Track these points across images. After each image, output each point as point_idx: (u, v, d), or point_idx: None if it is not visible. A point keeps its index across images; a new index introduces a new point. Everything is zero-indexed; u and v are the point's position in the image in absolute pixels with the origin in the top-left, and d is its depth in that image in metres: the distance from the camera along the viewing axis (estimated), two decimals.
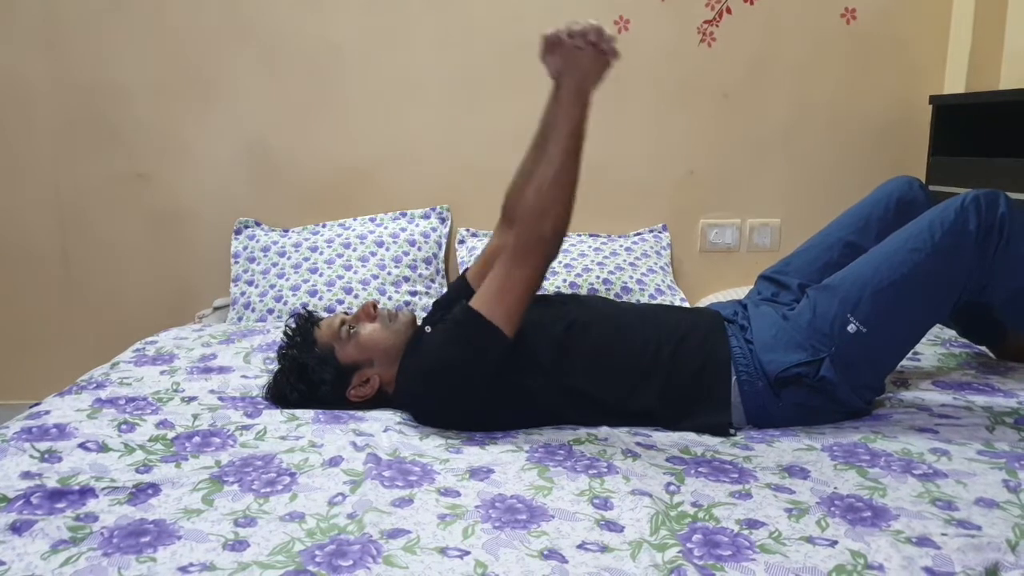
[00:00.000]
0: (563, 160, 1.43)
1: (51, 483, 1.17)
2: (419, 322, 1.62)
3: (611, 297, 2.27)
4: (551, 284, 2.30)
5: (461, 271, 2.43)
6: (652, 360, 1.48)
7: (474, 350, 1.41)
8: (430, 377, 1.45)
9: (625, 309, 1.66)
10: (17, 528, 1.04)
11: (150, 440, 1.34)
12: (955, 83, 2.51)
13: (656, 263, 2.47)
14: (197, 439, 1.35)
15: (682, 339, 1.51)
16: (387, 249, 2.40)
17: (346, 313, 1.61)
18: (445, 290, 2.44)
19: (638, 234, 2.59)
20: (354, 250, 2.39)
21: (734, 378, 1.47)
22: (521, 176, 1.68)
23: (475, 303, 1.43)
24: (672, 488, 1.19)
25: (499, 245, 1.67)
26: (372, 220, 2.49)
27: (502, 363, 1.42)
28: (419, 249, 2.42)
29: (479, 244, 2.50)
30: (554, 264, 2.35)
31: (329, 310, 2.23)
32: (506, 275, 1.42)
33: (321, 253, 2.38)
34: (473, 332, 1.41)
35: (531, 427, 1.45)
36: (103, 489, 1.16)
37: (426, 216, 2.52)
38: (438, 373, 1.44)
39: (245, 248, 2.44)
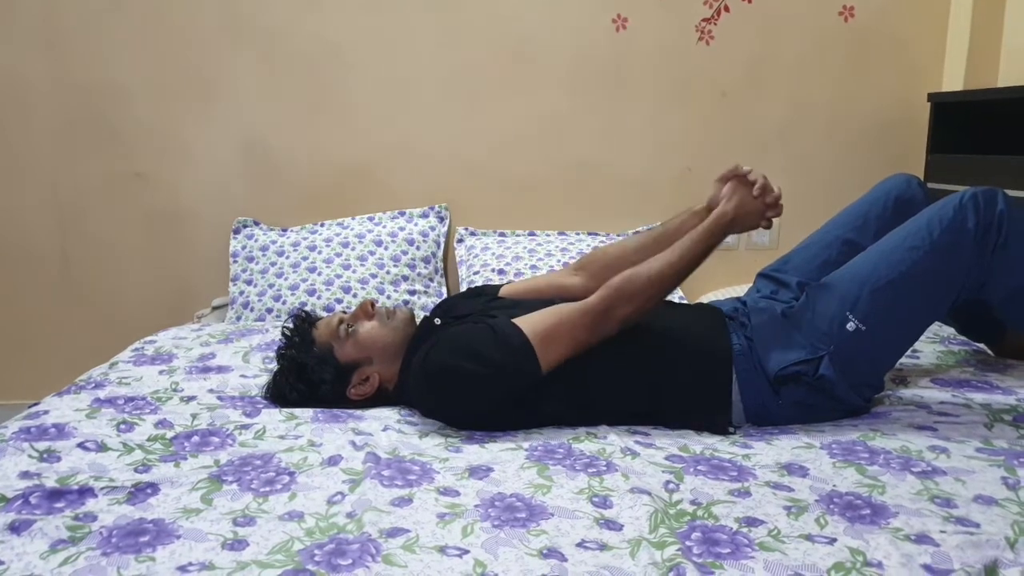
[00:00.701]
0: (678, 269, 1.46)
1: (50, 483, 1.17)
2: (418, 320, 1.62)
3: None
4: None
5: (463, 273, 2.44)
6: (653, 357, 1.48)
7: (505, 369, 1.38)
8: (445, 374, 1.39)
9: None
10: (16, 528, 1.04)
11: (149, 440, 1.34)
12: (953, 81, 2.51)
13: None
14: (196, 438, 1.35)
15: (683, 336, 1.51)
16: (386, 248, 2.40)
17: (344, 312, 1.61)
18: (444, 289, 2.44)
19: (637, 232, 2.59)
20: (353, 249, 2.38)
21: (734, 376, 1.47)
22: (619, 250, 1.71)
23: (525, 327, 1.40)
24: (671, 486, 1.18)
25: (559, 285, 1.69)
26: (371, 219, 2.49)
27: (522, 390, 1.40)
28: (418, 248, 2.42)
29: (478, 243, 2.50)
30: (552, 263, 2.36)
31: (328, 309, 2.23)
32: (568, 323, 1.42)
33: (320, 252, 2.38)
34: (516, 351, 1.38)
35: (531, 427, 1.44)
36: (102, 489, 1.15)
37: (425, 215, 2.52)
38: (453, 373, 1.39)
39: (244, 247, 2.44)
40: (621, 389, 1.47)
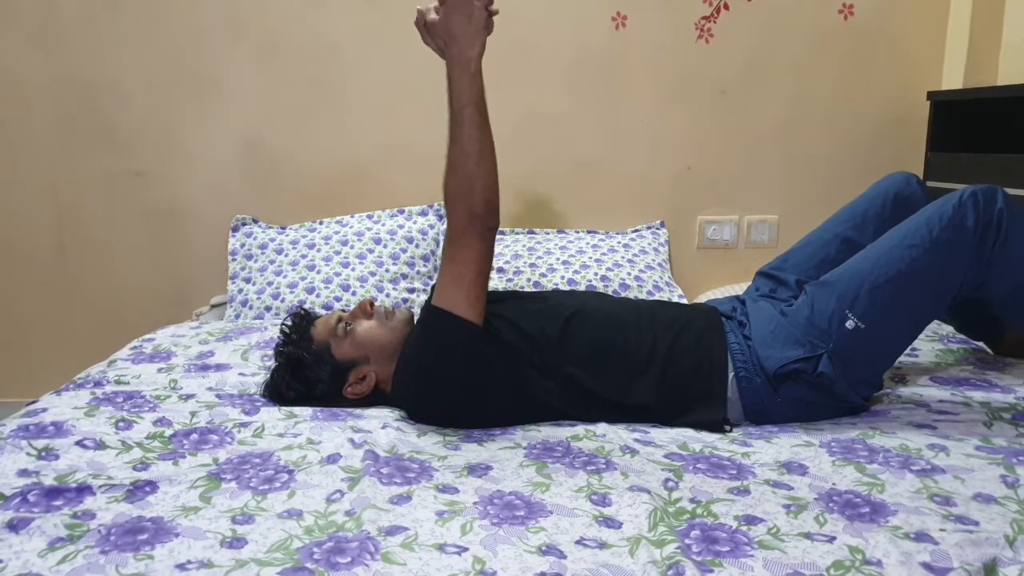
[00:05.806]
0: (469, 135, 1.43)
1: (48, 481, 1.17)
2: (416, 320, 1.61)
3: (608, 293, 2.27)
4: (548, 281, 2.30)
5: None
6: (648, 355, 1.48)
7: (447, 347, 1.42)
8: (415, 382, 1.46)
9: (621, 304, 1.66)
10: (14, 526, 1.04)
11: (148, 438, 1.34)
12: (953, 79, 2.51)
13: (654, 260, 2.46)
14: (195, 436, 1.35)
15: (678, 334, 1.51)
16: (385, 246, 2.39)
17: (343, 311, 1.61)
18: None
19: (636, 231, 2.59)
20: (352, 247, 2.38)
21: (731, 374, 1.47)
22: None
23: (436, 300, 1.43)
24: (671, 484, 1.18)
25: None
26: (370, 217, 2.49)
27: (481, 352, 1.42)
28: (417, 246, 2.42)
29: None
30: (551, 261, 2.36)
31: (327, 308, 2.23)
32: (451, 262, 1.42)
33: (319, 250, 2.38)
34: (441, 330, 1.41)
35: (528, 423, 1.44)
36: (100, 487, 1.15)
37: (424, 213, 2.52)
38: (419, 378, 1.44)
39: (242, 245, 2.44)
40: (617, 386, 1.46)
